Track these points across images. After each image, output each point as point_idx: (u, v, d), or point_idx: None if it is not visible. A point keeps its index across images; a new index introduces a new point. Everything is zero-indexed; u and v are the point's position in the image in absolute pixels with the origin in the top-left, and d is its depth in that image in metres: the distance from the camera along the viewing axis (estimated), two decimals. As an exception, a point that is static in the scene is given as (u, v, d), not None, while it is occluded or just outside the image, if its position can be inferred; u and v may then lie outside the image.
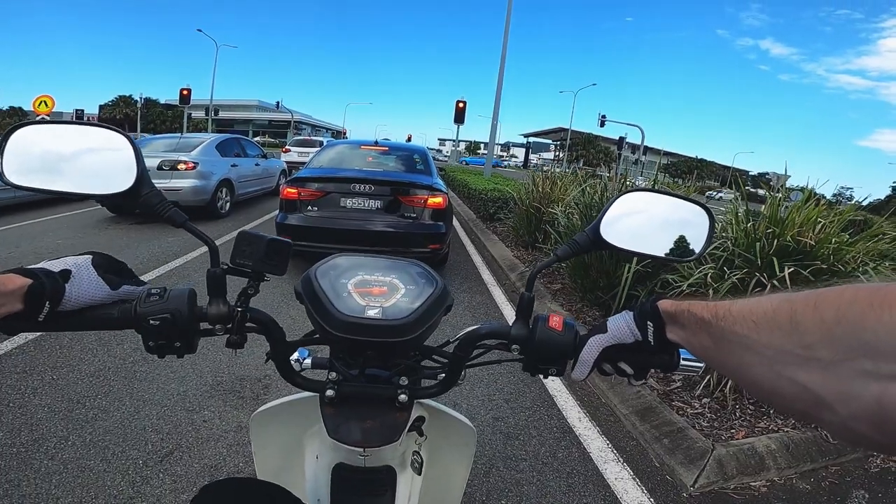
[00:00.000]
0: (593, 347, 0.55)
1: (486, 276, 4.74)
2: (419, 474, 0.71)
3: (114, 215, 6.55)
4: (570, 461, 1.97)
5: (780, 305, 0.32)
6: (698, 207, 0.66)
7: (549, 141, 78.93)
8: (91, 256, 0.54)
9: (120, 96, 50.85)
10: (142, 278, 0.59)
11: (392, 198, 4.07)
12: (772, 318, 0.32)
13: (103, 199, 0.56)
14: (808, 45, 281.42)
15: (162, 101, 52.56)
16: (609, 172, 5.49)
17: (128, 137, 0.55)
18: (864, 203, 3.16)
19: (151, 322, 0.52)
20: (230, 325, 0.57)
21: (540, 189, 5.60)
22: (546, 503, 1.74)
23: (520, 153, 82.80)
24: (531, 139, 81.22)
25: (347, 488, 0.65)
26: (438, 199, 4.09)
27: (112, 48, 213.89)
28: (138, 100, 45.88)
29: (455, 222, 7.24)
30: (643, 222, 0.65)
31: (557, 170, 6.34)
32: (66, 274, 0.50)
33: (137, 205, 0.55)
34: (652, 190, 0.68)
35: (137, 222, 6.09)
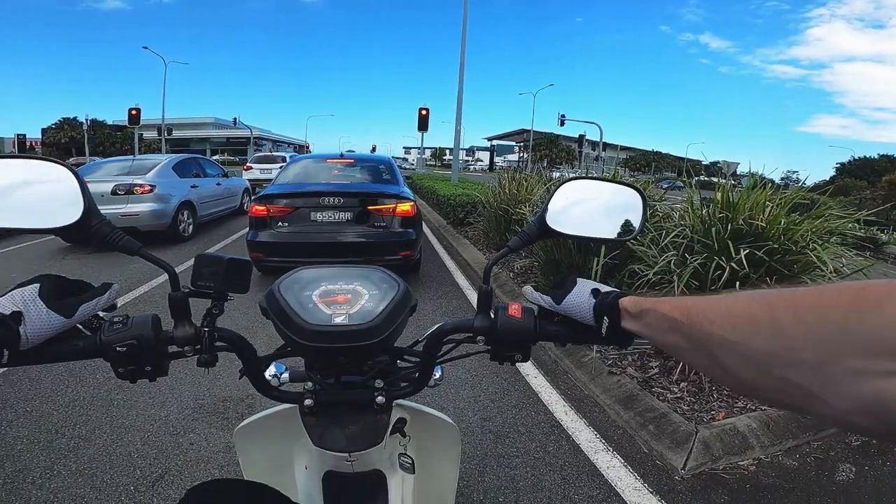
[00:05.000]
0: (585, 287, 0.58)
1: (461, 280, 4.77)
2: (412, 474, 0.72)
3: (69, 245, 6.23)
4: (561, 454, 2.01)
5: (758, 308, 0.32)
6: (632, 190, 0.70)
7: (513, 143, 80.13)
8: (39, 285, 0.51)
9: (64, 118, 48.09)
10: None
11: (361, 208, 4.10)
12: (751, 321, 0.32)
13: (51, 233, 0.55)
14: (743, 38, 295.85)
15: (110, 123, 50.27)
16: (572, 169, 5.67)
17: (70, 168, 0.55)
18: (809, 185, 3.38)
19: (118, 349, 0.52)
20: (199, 346, 0.57)
21: (506, 191, 5.70)
22: (543, 497, 1.76)
23: (485, 157, 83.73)
24: (495, 142, 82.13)
25: (340, 495, 0.66)
26: (406, 207, 4.15)
27: (53, 69, 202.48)
28: (84, 122, 43.70)
29: (426, 229, 7.26)
30: (584, 209, 0.68)
31: (521, 172, 6.46)
32: (17, 317, 0.48)
33: (88, 237, 0.54)
34: (588, 178, 0.72)
35: (95, 250, 5.81)
